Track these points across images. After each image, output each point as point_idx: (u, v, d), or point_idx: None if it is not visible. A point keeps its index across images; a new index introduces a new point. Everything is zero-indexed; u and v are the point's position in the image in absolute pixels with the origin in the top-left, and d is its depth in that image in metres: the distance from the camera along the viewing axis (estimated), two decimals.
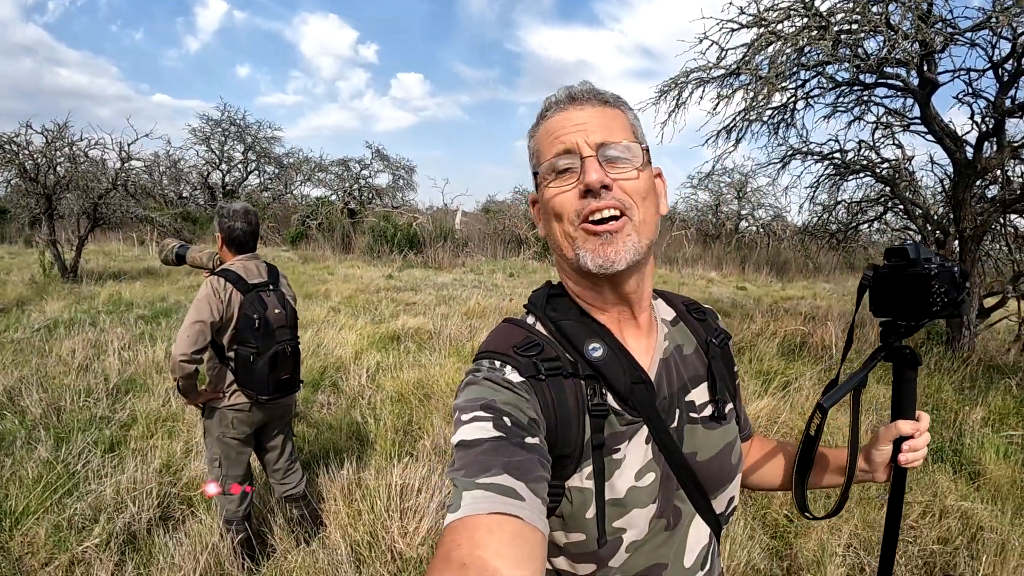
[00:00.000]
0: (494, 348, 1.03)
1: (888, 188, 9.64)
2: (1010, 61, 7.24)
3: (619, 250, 0.97)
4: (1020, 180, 7.98)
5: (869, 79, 8.23)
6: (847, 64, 7.67)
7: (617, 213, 0.97)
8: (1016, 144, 7.61)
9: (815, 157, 10.11)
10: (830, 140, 9.89)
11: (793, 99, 9.02)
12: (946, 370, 7.23)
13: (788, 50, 7.67)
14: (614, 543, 0.99)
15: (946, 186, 9.25)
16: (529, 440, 0.89)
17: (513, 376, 0.98)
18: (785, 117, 9.41)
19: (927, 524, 3.90)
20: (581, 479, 0.98)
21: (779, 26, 7.73)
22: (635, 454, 1.01)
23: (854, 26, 7.38)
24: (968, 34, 7.16)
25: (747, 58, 8.13)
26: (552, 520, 1.00)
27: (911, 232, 10.26)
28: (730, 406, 1.16)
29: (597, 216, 0.97)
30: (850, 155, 9.82)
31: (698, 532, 1.08)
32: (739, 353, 8.05)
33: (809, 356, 8.09)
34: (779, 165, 10.44)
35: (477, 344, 7.99)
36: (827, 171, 10.33)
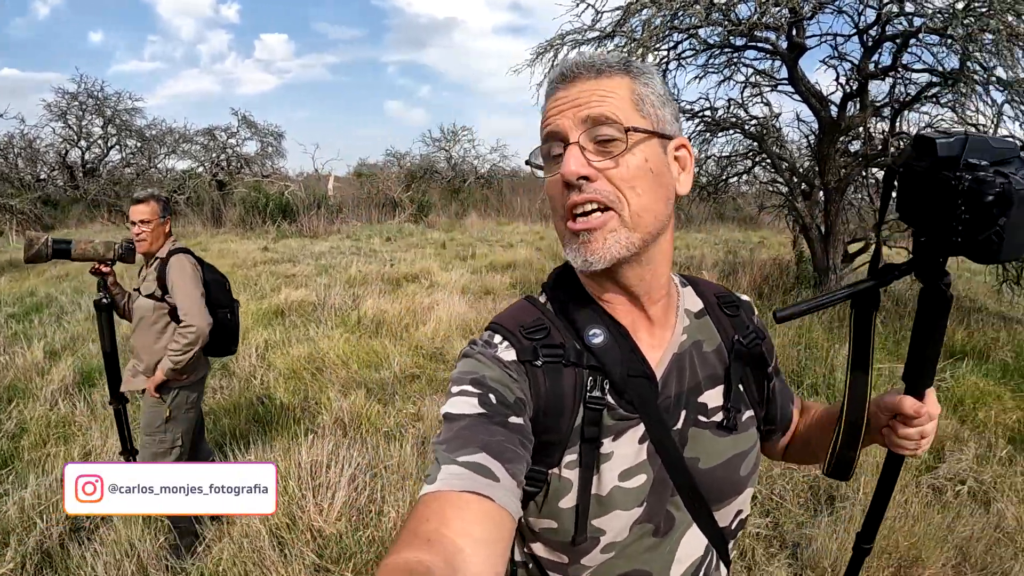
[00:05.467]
0: (501, 323, 1.00)
1: (756, 143, 10.15)
2: (875, 27, 7.81)
3: (597, 249, 0.90)
4: (881, 136, 8.67)
5: (739, 42, 8.61)
6: (719, 28, 7.99)
7: (600, 207, 0.90)
8: (878, 104, 8.26)
9: (686, 114, 10.42)
10: (701, 99, 10.24)
11: (665, 60, 9.27)
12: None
13: (662, 15, 7.90)
14: (590, 543, 0.95)
15: (811, 142, 9.87)
16: (513, 419, 0.88)
17: (506, 355, 0.95)
18: None
19: None
20: (563, 468, 0.95)
21: None
22: (624, 453, 0.96)
23: None
24: (836, 1, 7.67)
25: (621, 21, 8.32)
26: (529, 505, 0.98)
27: (779, 184, 10.84)
28: (749, 414, 1.07)
29: (579, 211, 0.90)
30: (720, 112, 10.23)
31: (692, 543, 1.02)
32: None
33: None
34: None
35: (363, 313, 8.07)
36: (698, 128, 10.66)
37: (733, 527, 1.07)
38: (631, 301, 1.00)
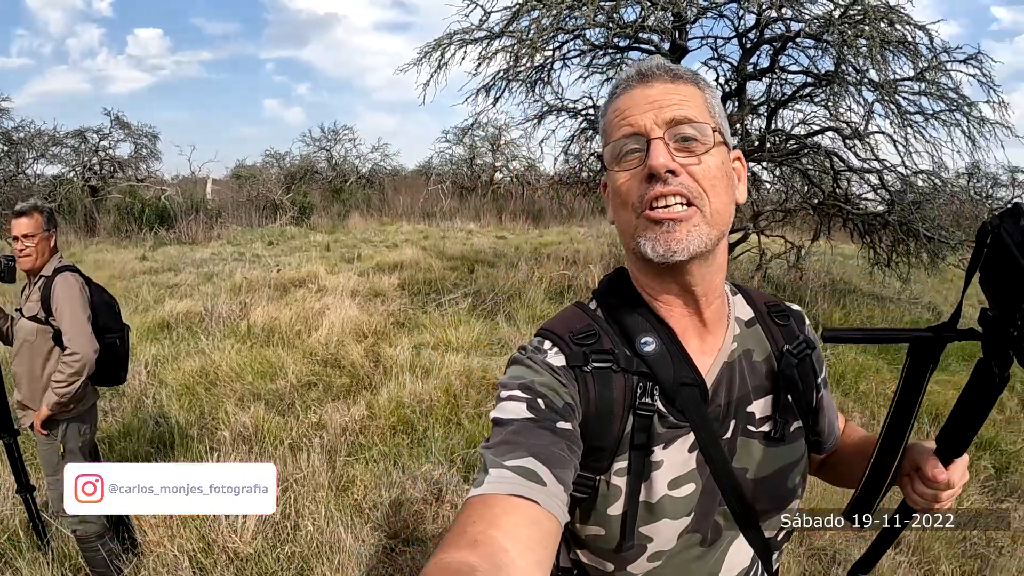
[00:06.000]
0: (551, 328, 1.00)
1: None
2: (753, 31, 8.25)
3: (681, 239, 0.89)
4: (757, 133, 9.16)
5: (623, 43, 8.83)
6: (604, 29, 8.18)
7: (684, 202, 0.90)
8: (755, 103, 8.71)
9: (569, 113, 10.60)
10: (584, 97, 10.42)
11: (551, 60, 9.41)
12: None
13: (550, 16, 8.01)
14: (636, 550, 0.96)
15: None
16: (561, 425, 0.88)
17: (556, 360, 0.95)
18: (542, 76, 9.81)
19: None
20: (612, 475, 0.95)
21: None
22: (673, 461, 0.96)
23: None
24: (718, 7, 8.09)
25: (510, 22, 8.40)
26: (576, 511, 0.98)
27: None
28: (797, 425, 1.06)
29: (662, 203, 0.90)
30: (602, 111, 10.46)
31: (739, 554, 1.03)
32: (508, 301, 8.49)
33: (575, 298, 8.60)
34: (535, 120, 10.82)
35: (253, 322, 7.78)
36: (581, 126, 10.85)
37: (779, 539, 1.08)
38: (688, 303, 1.00)
